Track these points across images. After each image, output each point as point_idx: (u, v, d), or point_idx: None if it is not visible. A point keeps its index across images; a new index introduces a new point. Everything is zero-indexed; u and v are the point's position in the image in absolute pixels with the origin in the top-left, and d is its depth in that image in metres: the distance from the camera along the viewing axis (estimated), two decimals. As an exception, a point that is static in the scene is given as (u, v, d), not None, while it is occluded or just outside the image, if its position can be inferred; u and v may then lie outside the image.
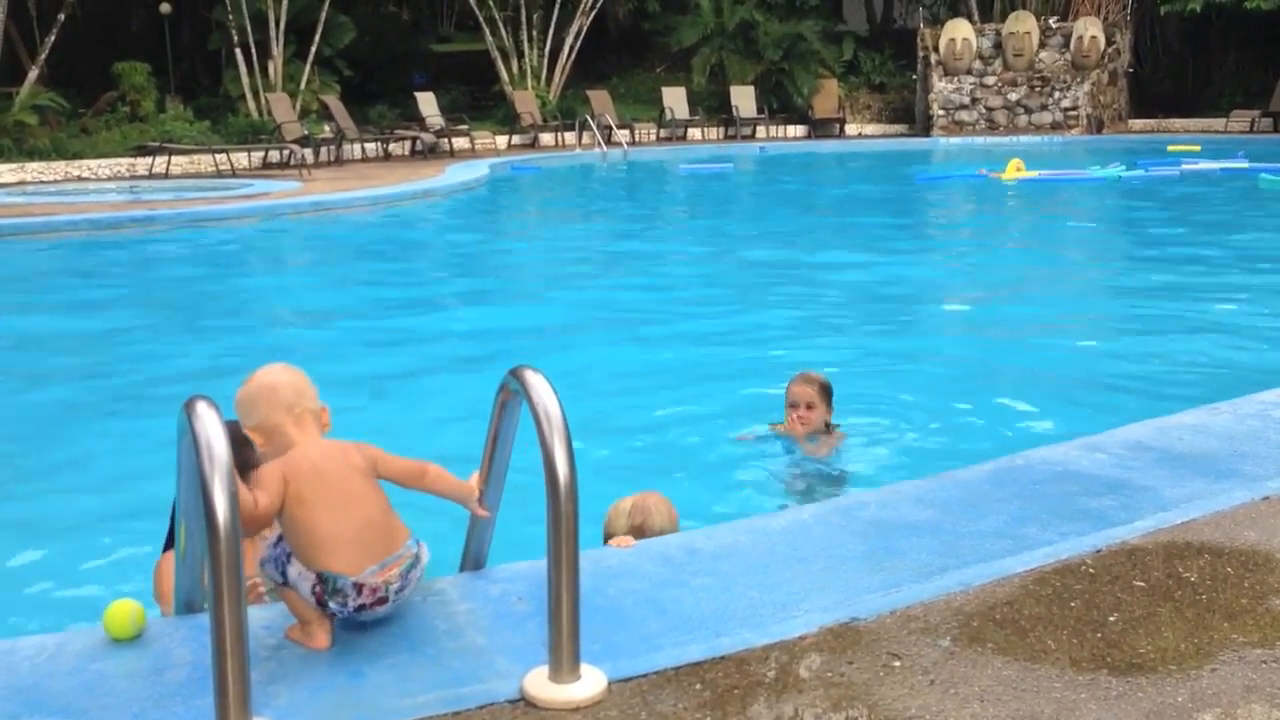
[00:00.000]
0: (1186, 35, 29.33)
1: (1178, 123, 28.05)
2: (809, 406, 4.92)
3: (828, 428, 5.03)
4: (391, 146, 23.80)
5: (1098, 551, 3.04)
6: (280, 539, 2.58)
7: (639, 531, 3.34)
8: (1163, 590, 2.81)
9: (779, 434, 5.10)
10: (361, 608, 2.52)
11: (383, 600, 2.53)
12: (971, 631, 2.61)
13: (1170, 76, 29.89)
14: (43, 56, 20.97)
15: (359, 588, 2.49)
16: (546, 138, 26.55)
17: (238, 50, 23.60)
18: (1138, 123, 28.89)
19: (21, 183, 18.48)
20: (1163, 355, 7.10)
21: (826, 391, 4.97)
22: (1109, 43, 28.06)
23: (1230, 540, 3.10)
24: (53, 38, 20.82)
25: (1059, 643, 2.56)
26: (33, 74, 20.85)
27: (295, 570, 2.52)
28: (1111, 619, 2.67)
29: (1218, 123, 27.00)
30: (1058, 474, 3.61)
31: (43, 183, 18.61)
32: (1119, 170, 18.49)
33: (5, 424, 6.01)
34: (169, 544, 3.38)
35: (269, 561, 2.57)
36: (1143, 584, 2.85)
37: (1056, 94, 27.92)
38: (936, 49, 28.57)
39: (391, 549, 2.55)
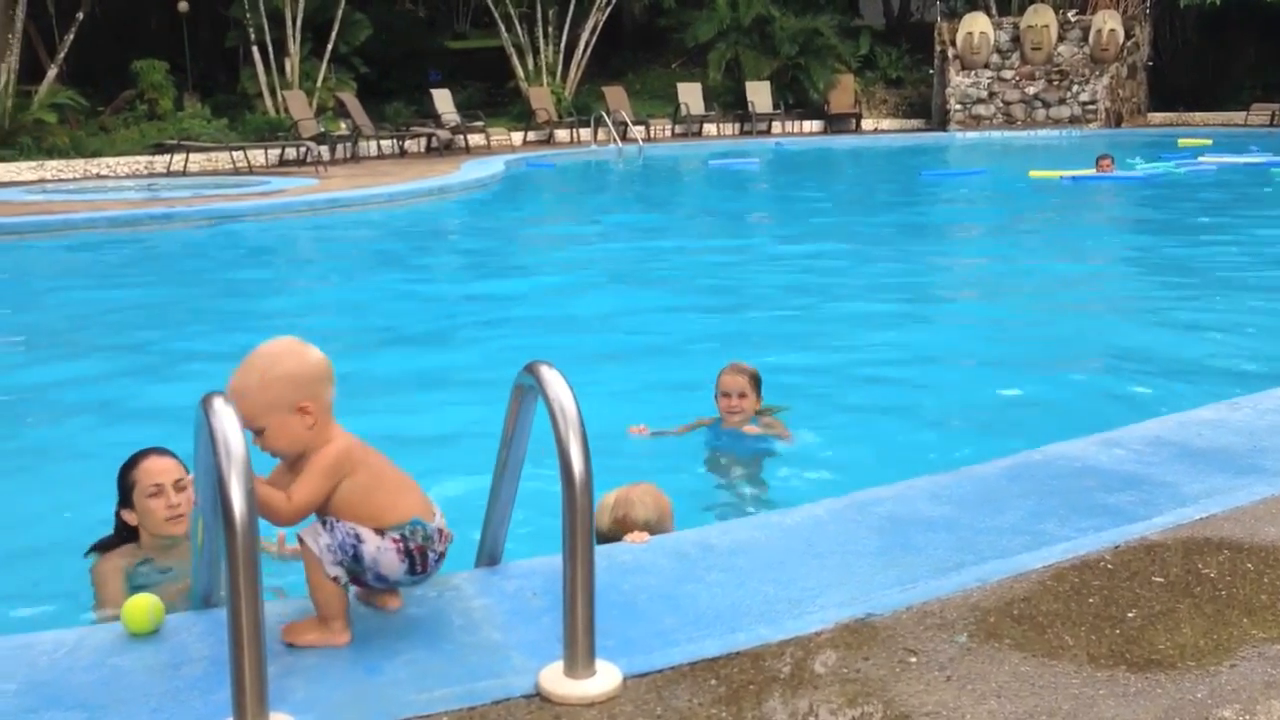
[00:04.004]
0: (1206, 28, 29.15)
1: (1197, 116, 27.89)
2: (740, 395, 5.03)
3: (760, 414, 5.14)
4: (407, 143, 23.85)
5: (1116, 547, 3.02)
6: (333, 528, 2.49)
7: (622, 524, 3.31)
8: (1182, 586, 2.80)
9: (712, 424, 5.22)
10: (439, 558, 2.57)
11: (443, 555, 2.58)
12: (988, 627, 2.60)
13: (1190, 70, 29.70)
14: (61, 55, 21.08)
15: (440, 533, 2.55)
16: (562, 134, 26.57)
17: (255, 48, 23.69)
18: (1157, 116, 28.74)
19: (41, 181, 18.59)
20: (1181, 350, 7.06)
21: (756, 381, 5.08)
22: (1128, 36, 27.91)
23: (1250, 536, 3.08)
24: (71, 36, 20.93)
25: (1077, 639, 2.54)
26: (52, 72, 20.98)
27: (372, 548, 2.47)
28: (1130, 615, 2.65)
29: (1238, 116, 26.84)
30: (1076, 469, 3.59)
31: (62, 181, 18.71)
32: (1171, 165, 18.19)
33: (25, 419, 6.05)
34: (103, 545, 3.58)
35: (333, 551, 2.47)
36: (1161, 580, 2.83)
37: (1075, 88, 27.80)
38: (954, 43, 28.47)
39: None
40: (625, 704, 2.30)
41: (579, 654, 2.34)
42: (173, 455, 3.53)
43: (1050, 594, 2.76)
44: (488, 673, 2.40)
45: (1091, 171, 17.03)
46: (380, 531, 2.49)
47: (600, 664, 2.37)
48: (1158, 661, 2.44)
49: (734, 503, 4.63)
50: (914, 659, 2.46)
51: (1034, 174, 17.65)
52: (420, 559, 2.52)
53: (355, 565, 2.49)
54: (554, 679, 2.34)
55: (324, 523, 2.51)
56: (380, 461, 2.56)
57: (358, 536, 2.48)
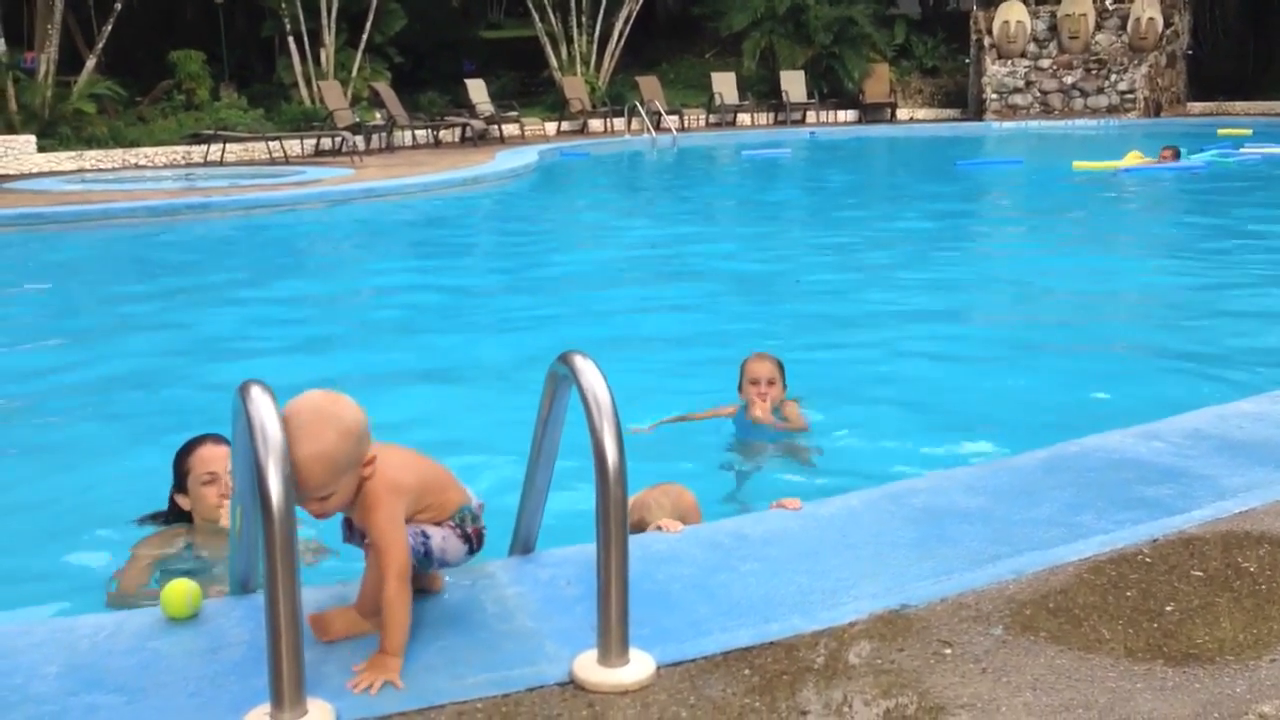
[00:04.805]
0: (1247, 16, 28.74)
1: (1238, 105, 27.50)
2: (770, 382, 4.99)
3: (781, 404, 5.11)
4: (442, 133, 23.93)
5: (1154, 540, 2.99)
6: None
7: (637, 529, 3.28)
8: (1221, 580, 2.77)
9: (735, 414, 5.15)
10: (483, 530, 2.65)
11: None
12: (1024, 620, 2.58)
13: (1230, 59, 29.29)
14: (100, 46, 21.28)
15: (480, 508, 2.63)
16: (596, 124, 26.56)
17: (290, 38, 23.82)
18: (1196, 106, 28.36)
19: (80, 170, 18.79)
20: (1222, 342, 6.97)
21: (782, 369, 5.07)
22: (1167, 24, 27.55)
23: (1291, 530, 3.04)
24: (109, 27, 21.13)
25: (1114, 632, 2.52)
26: (90, 63, 21.19)
27: (439, 539, 2.52)
28: (1168, 609, 2.63)
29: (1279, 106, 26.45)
30: (1114, 462, 3.56)
31: (101, 170, 18.90)
32: (1214, 154, 17.94)
33: (64, 409, 6.12)
34: (154, 518, 3.68)
35: (410, 553, 2.46)
36: (1200, 574, 2.80)
37: (1113, 77, 27.47)
38: (990, 31, 28.21)
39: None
40: (659, 693, 2.30)
41: (613, 642, 2.34)
42: (228, 443, 3.52)
43: (1087, 587, 2.74)
44: (521, 660, 2.41)
45: (1137, 162, 16.83)
46: (438, 523, 2.55)
47: (634, 653, 2.38)
48: (1196, 656, 2.42)
49: (761, 494, 4.62)
50: (949, 651, 2.45)
51: (1078, 165, 17.34)
52: (477, 539, 2.62)
53: (425, 561, 2.52)
54: (588, 667, 2.35)
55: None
56: (421, 468, 2.55)
57: (424, 534, 2.51)
